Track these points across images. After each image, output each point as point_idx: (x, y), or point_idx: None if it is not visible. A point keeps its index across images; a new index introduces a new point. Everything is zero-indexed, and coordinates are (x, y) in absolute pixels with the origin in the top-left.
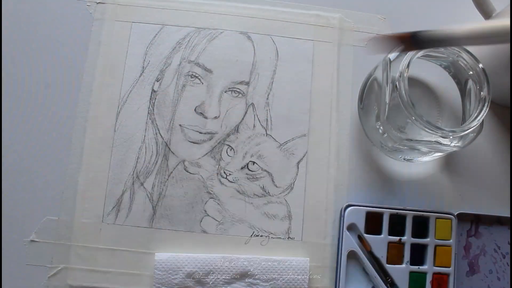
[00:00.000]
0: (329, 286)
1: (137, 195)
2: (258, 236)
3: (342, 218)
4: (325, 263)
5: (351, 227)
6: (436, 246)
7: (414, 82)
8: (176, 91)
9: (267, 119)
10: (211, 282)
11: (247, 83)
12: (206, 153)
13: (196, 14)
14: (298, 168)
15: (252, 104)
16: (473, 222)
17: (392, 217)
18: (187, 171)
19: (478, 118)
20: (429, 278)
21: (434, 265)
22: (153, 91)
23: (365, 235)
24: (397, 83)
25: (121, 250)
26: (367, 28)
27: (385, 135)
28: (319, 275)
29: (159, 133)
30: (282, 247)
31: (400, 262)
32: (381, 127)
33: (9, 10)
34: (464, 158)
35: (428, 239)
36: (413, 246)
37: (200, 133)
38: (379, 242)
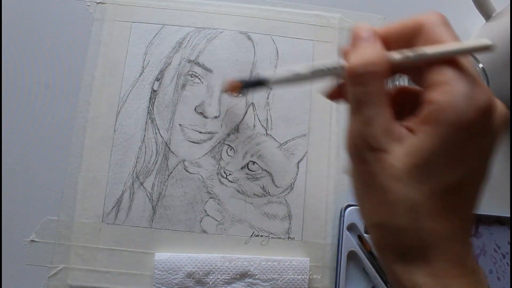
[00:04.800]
0: (329, 286)
1: (137, 195)
2: (258, 236)
3: (342, 218)
4: (325, 263)
5: (351, 227)
6: None
7: None
8: (176, 90)
9: (267, 119)
10: (211, 282)
11: None
12: (206, 153)
13: (196, 14)
14: (298, 168)
15: (252, 103)
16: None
17: None
18: (187, 171)
19: None
20: None
21: None
22: (153, 90)
23: (365, 235)
24: (397, 83)
25: (121, 250)
26: None
27: None
28: (319, 275)
29: (159, 132)
30: (282, 247)
31: None
32: None
33: (9, 10)
34: None
35: None
36: None
37: (200, 132)
38: None
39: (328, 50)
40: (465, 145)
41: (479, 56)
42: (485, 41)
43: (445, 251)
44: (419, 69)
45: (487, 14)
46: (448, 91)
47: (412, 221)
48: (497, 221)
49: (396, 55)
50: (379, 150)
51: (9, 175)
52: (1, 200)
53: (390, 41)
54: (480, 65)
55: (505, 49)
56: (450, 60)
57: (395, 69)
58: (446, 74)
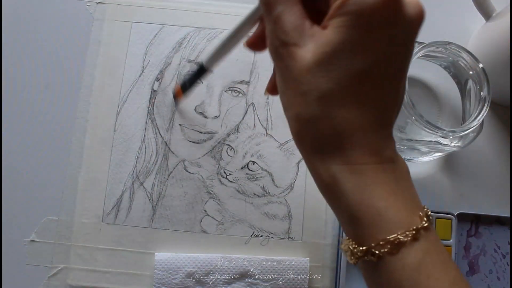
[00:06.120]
0: (329, 286)
1: (137, 195)
2: (258, 236)
3: None
4: (325, 263)
5: None
6: None
7: (414, 82)
8: None
9: (267, 119)
10: (211, 282)
11: (247, 83)
12: (206, 153)
13: (196, 14)
14: (298, 168)
15: (252, 103)
16: (473, 222)
17: None
18: (187, 171)
19: (478, 118)
20: None
21: None
22: (153, 90)
23: None
24: None
25: (121, 250)
26: None
27: None
28: (319, 275)
29: (159, 132)
30: (282, 247)
31: None
32: None
33: (9, 10)
34: (464, 158)
35: None
36: None
37: (200, 132)
38: None
39: None
40: (372, 33)
41: (479, 56)
42: None
43: (359, 140)
44: None
45: (487, 14)
46: None
47: (324, 110)
48: (497, 221)
49: None
50: (291, 44)
51: (9, 175)
52: (1, 200)
53: None
54: (480, 65)
55: (505, 49)
56: None
57: None
58: None
